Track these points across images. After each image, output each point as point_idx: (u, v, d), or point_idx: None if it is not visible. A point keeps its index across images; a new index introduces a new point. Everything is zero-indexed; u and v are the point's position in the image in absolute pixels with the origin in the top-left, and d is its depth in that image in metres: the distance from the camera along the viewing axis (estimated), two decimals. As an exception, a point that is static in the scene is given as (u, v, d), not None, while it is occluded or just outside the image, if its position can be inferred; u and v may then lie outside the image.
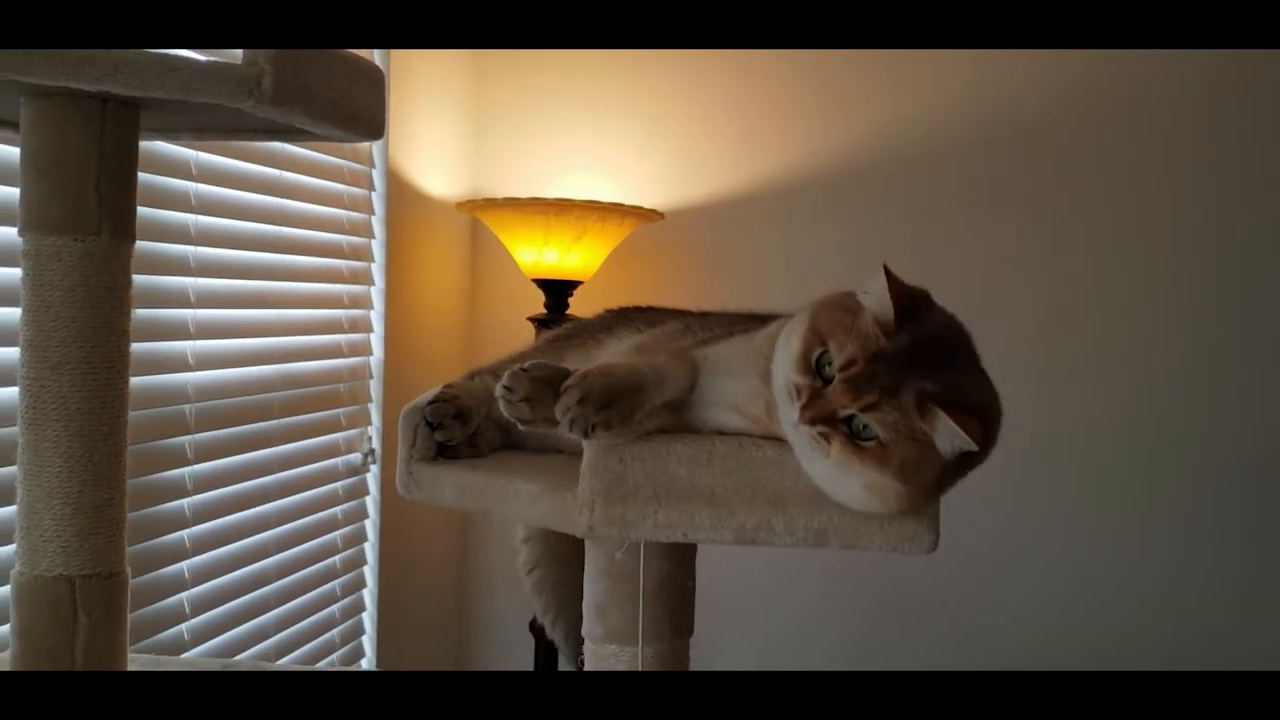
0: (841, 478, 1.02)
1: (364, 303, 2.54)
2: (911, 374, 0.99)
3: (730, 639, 2.89)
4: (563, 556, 1.46)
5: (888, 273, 1.02)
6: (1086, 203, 2.77)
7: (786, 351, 1.05)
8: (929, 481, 1.01)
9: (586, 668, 1.22)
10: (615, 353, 1.31)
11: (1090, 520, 2.80)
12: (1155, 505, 2.78)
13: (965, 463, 1.01)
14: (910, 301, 1.02)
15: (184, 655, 1.93)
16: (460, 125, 2.96)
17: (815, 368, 1.02)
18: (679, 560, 1.19)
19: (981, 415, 1.00)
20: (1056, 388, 2.79)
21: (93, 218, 1.21)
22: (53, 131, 1.20)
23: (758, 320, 1.24)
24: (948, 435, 0.98)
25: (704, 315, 1.33)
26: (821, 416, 1.00)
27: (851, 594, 2.91)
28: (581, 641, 1.44)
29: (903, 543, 1.05)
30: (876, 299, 1.02)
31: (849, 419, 1.00)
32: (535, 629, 2.71)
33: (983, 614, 2.86)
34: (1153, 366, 2.76)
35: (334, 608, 2.45)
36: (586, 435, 1.05)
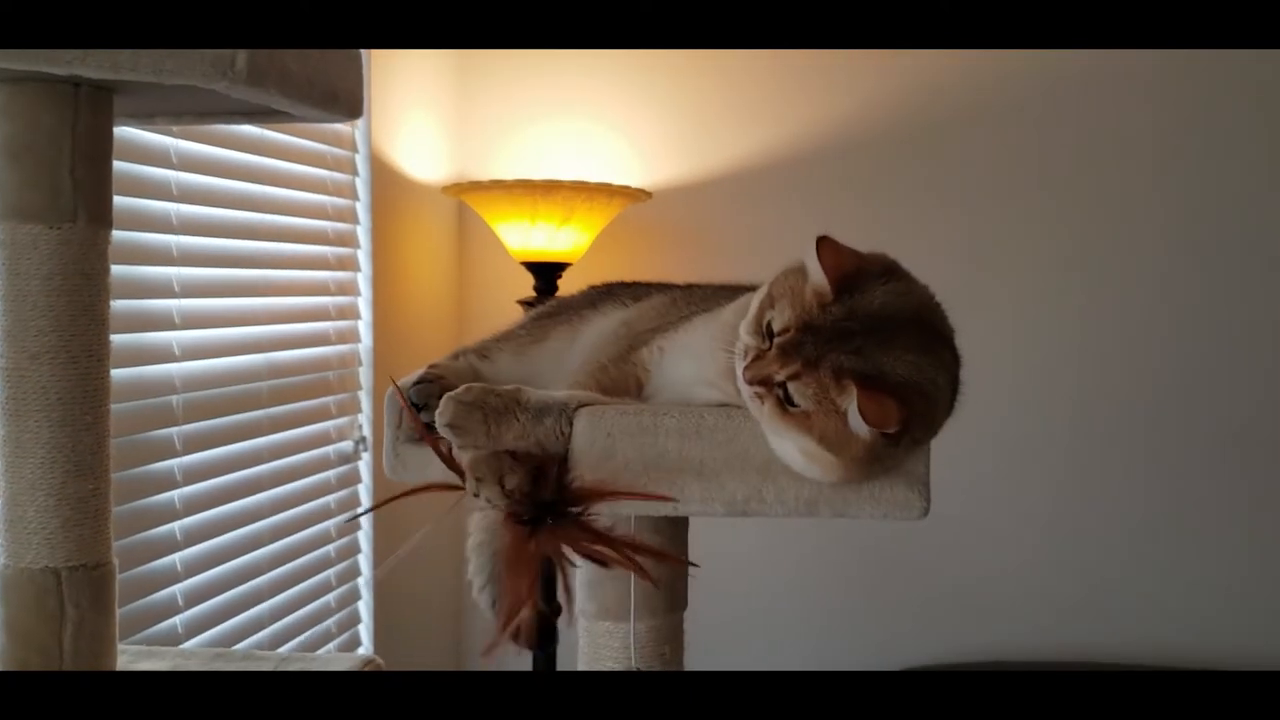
0: (775, 440, 1.04)
1: (351, 289, 2.52)
2: (835, 348, 0.99)
3: (732, 620, 2.88)
4: None
5: (823, 242, 1.02)
6: (1081, 181, 2.76)
7: (746, 315, 1.07)
8: (857, 454, 1.00)
9: (580, 646, 1.20)
10: (600, 330, 1.30)
11: (1107, 510, 2.80)
12: (1178, 495, 2.77)
13: (903, 439, 1.00)
14: (857, 272, 1.02)
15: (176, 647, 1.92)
16: (444, 107, 2.94)
17: (765, 331, 1.04)
18: (671, 534, 1.18)
19: (904, 397, 0.98)
20: (1068, 375, 2.78)
21: (68, 204, 1.20)
22: (25, 117, 1.18)
23: (744, 291, 1.23)
24: (855, 413, 0.98)
25: (689, 288, 1.32)
26: (759, 378, 1.02)
27: (855, 580, 2.91)
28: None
29: (893, 510, 1.04)
30: (816, 267, 1.03)
31: (783, 384, 1.01)
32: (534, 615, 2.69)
33: (987, 603, 2.85)
34: (1172, 350, 2.75)
35: (329, 597, 2.44)
36: None
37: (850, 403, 0.98)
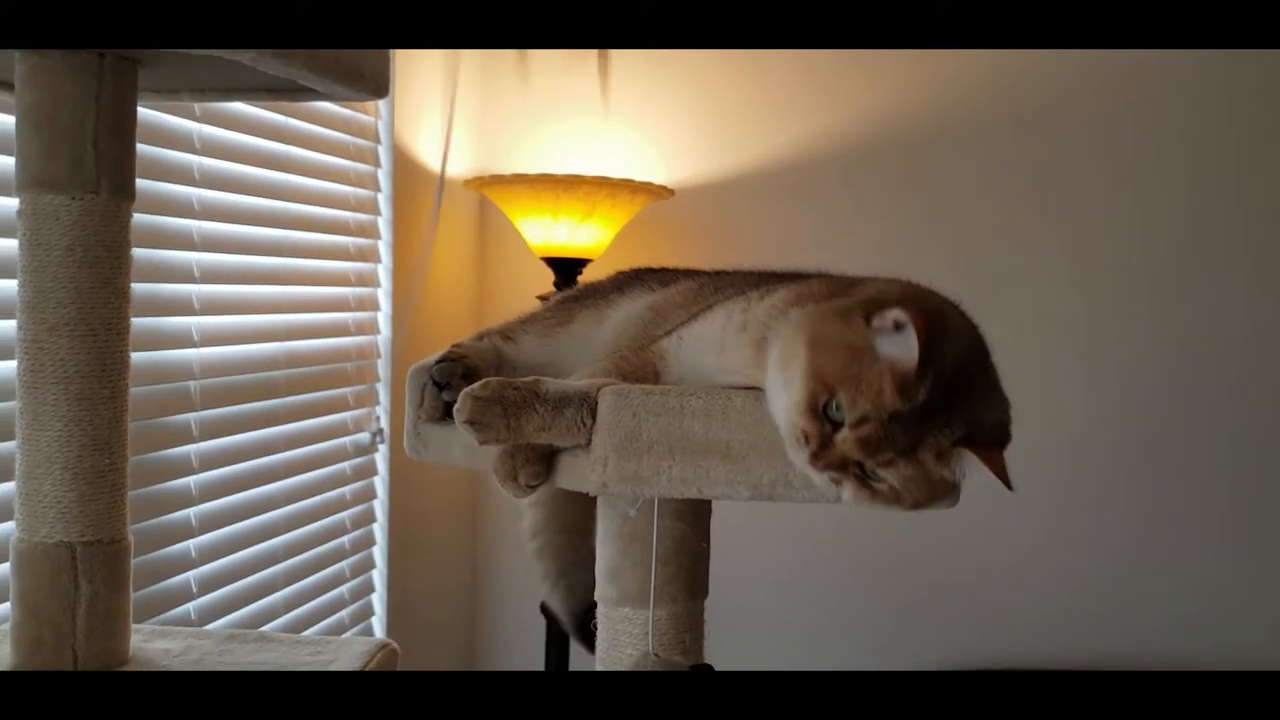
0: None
1: (371, 281, 2.51)
2: (930, 430, 0.95)
3: (752, 608, 2.86)
4: (569, 523, 1.43)
5: (917, 326, 0.93)
6: (1107, 185, 2.74)
7: (786, 391, 1.00)
8: (938, 494, 1.00)
9: (599, 633, 1.19)
10: (628, 313, 1.28)
11: (1121, 512, 2.77)
12: (1191, 498, 2.74)
13: None
14: (929, 340, 0.94)
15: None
16: (467, 100, 2.93)
17: (822, 411, 0.97)
18: (693, 520, 1.16)
19: (1002, 439, 1.00)
20: (1082, 377, 2.75)
21: (91, 175, 1.19)
22: (49, 87, 1.17)
23: (774, 279, 1.21)
24: (973, 472, 0.97)
25: (718, 274, 1.30)
26: (832, 464, 0.97)
27: (878, 573, 2.88)
28: (580, 610, 1.42)
29: (925, 498, 1.01)
30: (900, 349, 0.95)
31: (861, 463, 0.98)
32: (546, 610, 2.67)
33: (1011, 603, 2.82)
34: (1181, 353, 2.72)
35: (343, 588, 2.43)
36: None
37: (963, 465, 0.97)
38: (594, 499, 1.37)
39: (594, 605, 1.36)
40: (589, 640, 1.36)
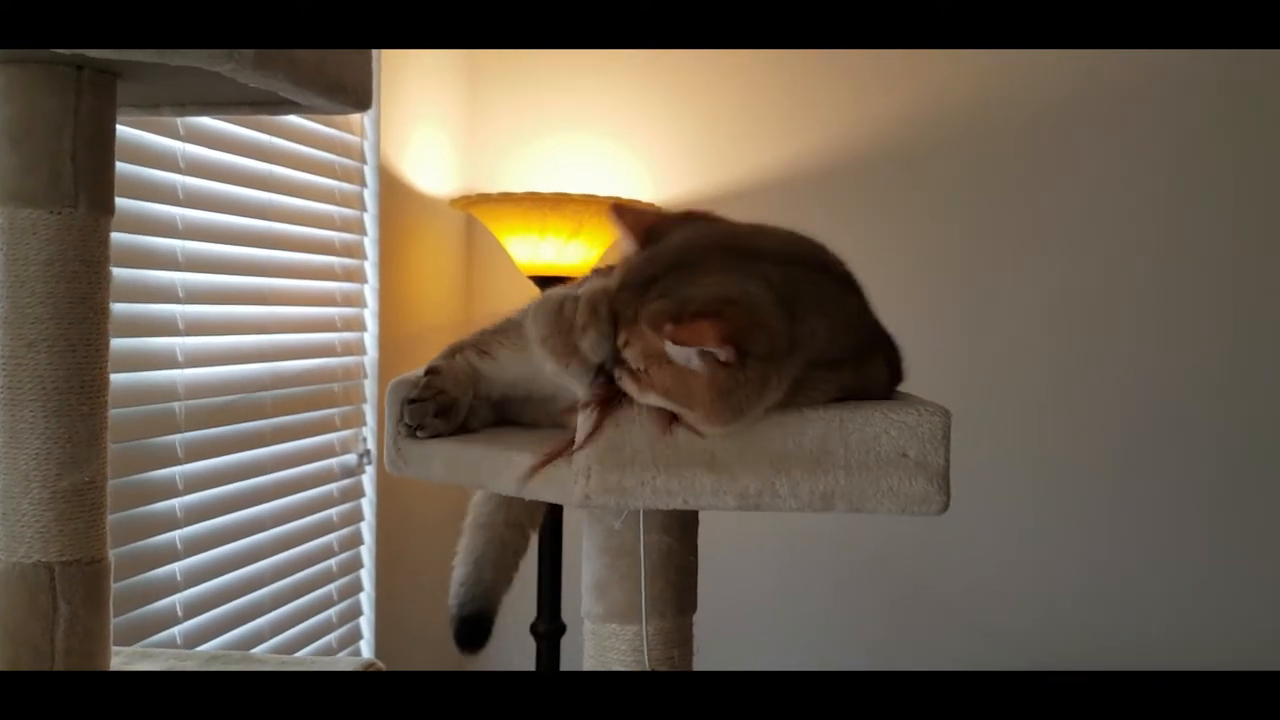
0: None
1: (357, 301, 2.50)
2: (644, 297, 0.99)
3: (738, 624, 2.84)
4: (514, 517, 1.42)
5: (615, 209, 1.10)
6: (1101, 193, 2.73)
7: None
8: (711, 395, 0.97)
9: (586, 648, 1.17)
10: None
11: (1108, 519, 2.76)
12: (1177, 505, 2.73)
13: (747, 359, 0.95)
14: (659, 224, 1.08)
15: (176, 657, 1.88)
16: (453, 120, 2.93)
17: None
18: (680, 533, 1.14)
19: (715, 313, 0.95)
20: (1071, 385, 2.74)
21: (69, 190, 1.18)
22: (26, 100, 1.16)
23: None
24: (674, 349, 0.95)
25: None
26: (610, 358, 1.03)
27: (865, 587, 2.87)
28: (469, 612, 1.41)
29: (912, 504, 1.00)
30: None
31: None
32: (535, 631, 2.66)
33: (998, 612, 2.81)
34: (1172, 361, 2.72)
35: (330, 612, 2.40)
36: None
37: (664, 343, 0.96)
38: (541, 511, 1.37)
39: (481, 618, 1.40)
40: (462, 643, 1.41)
